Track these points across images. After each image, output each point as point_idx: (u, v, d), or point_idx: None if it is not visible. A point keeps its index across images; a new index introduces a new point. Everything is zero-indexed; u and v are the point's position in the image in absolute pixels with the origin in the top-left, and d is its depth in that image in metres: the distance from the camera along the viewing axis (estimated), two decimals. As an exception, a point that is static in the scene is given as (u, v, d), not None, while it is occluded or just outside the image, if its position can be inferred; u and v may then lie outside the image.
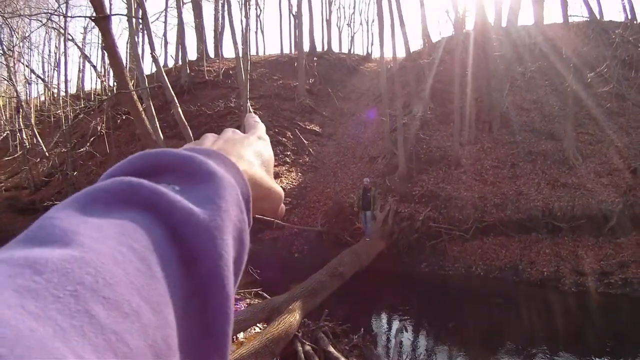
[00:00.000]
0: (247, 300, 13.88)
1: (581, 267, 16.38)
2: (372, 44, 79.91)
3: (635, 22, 29.30)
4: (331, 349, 10.30)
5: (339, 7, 68.64)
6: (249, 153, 0.69)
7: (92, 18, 15.49)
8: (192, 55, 43.14)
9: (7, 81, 37.38)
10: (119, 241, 0.39)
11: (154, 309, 0.37)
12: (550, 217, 18.65)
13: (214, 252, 0.44)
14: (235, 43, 26.89)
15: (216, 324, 0.44)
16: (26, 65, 42.63)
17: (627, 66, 23.33)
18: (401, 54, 33.83)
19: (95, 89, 49.28)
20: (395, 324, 13.74)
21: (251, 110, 27.55)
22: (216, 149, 0.59)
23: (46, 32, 48.86)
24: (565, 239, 17.93)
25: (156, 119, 20.43)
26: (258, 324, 11.73)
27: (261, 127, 0.87)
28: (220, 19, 46.35)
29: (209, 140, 0.70)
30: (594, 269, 16.14)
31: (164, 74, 21.06)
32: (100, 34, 18.52)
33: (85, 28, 49.05)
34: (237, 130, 0.78)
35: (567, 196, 19.25)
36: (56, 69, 48.37)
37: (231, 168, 0.55)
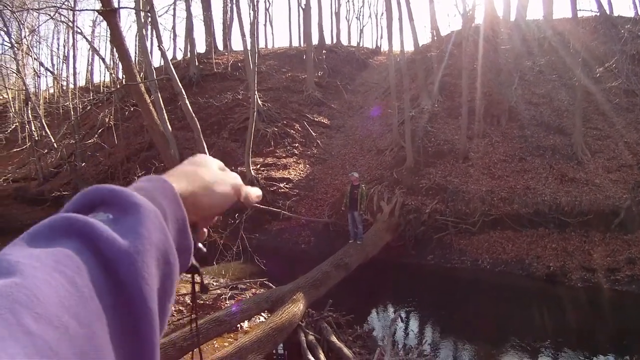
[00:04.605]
0: (253, 289, 13.93)
1: (588, 263, 16.29)
2: (381, 37, 79.55)
3: (644, 17, 29.07)
4: (334, 339, 10.31)
5: (348, 0, 68.18)
6: (194, 173, 0.79)
7: (100, 11, 15.50)
8: (200, 48, 43.31)
9: (16, 74, 37.55)
10: (53, 268, 0.48)
11: (82, 322, 0.46)
12: (558, 211, 18.55)
13: (135, 273, 0.53)
14: (243, 36, 26.89)
15: (142, 333, 0.52)
16: (35, 59, 42.76)
17: (637, 61, 23.14)
18: (410, 47, 33.77)
19: (104, 81, 49.57)
20: (400, 315, 13.69)
21: (259, 102, 27.57)
22: (163, 176, 0.71)
23: (55, 26, 49.12)
24: (572, 234, 17.84)
25: (164, 111, 20.51)
26: (262, 314, 11.76)
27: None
28: (228, 11, 46.43)
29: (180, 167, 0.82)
30: (601, 265, 16.03)
31: (172, 66, 21.13)
32: (108, 27, 18.57)
33: (94, 21, 49.28)
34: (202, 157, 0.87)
35: (575, 191, 19.16)
36: (65, 61, 48.52)
37: (168, 194, 0.66)
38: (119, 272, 0.52)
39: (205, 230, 0.84)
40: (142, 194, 0.62)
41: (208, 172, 0.81)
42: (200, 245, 0.82)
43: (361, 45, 51.40)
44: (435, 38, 34.10)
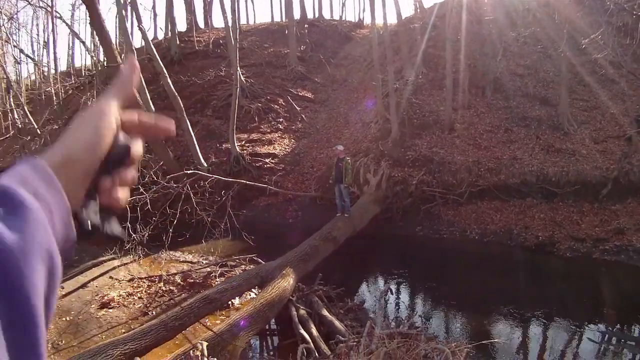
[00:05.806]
0: (242, 266, 13.88)
1: (576, 233, 16.36)
2: (364, 10, 79.39)
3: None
4: (325, 312, 10.29)
5: (330, -26, 67.65)
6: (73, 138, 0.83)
7: (79, -6, 15.24)
8: (181, 26, 42.65)
9: (-4, 63, 37.10)
10: None
11: None
12: (545, 182, 18.62)
13: (20, 272, 0.54)
14: (224, 12, 26.54)
15: (26, 328, 0.54)
16: (15, 46, 42.26)
17: (622, 33, 23.03)
18: (393, 19, 33.64)
19: (85, 64, 49.04)
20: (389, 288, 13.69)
21: (242, 78, 27.38)
22: (44, 162, 0.71)
23: (34, 12, 48.48)
24: (560, 204, 17.93)
25: (147, 91, 20.28)
26: (253, 290, 11.70)
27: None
28: (209, -12, 45.94)
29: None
30: (590, 235, 16.12)
31: (153, 46, 20.91)
32: (87, 10, 18.31)
33: (73, 5, 48.93)
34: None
35: (561, 161, 19.24)
36: (45, 47, 48.08)
37: (51, 187, 0.67)
38: (6, 267, 0.53)
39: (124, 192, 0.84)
40: (27, 189, 0.63)
41: (76, 125, 0.84)
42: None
43: (344, 18, 50.90)
44: (419, 10, 34.01)
